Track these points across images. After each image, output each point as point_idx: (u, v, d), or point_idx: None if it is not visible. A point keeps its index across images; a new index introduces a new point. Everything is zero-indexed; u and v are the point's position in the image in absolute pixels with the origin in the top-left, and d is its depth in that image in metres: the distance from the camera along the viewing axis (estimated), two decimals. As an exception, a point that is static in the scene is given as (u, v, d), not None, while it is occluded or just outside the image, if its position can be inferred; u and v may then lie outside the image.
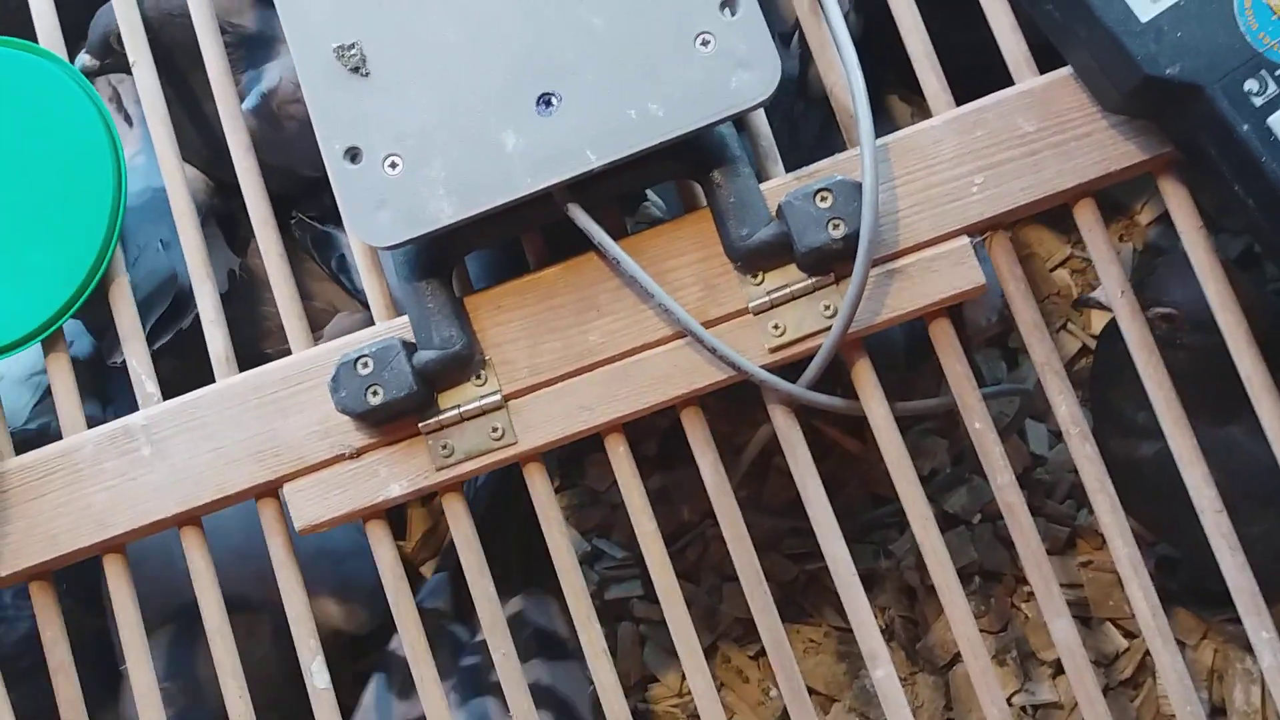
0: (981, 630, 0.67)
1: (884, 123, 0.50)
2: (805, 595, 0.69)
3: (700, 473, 0.48)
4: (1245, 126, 0.41)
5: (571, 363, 0.48)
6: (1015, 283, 0.47)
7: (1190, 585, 0.65)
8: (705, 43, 0.45)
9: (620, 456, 0.48)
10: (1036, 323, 0.47)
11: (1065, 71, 0.47)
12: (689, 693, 0.53)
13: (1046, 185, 0.46)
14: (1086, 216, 0.47)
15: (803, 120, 0.60)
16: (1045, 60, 0.48)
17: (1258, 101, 0.41)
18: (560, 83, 0.46)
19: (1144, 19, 0.41)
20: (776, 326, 0.47)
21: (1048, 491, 0.68)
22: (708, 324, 0.47)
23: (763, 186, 0.47)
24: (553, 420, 0.48)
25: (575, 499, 0.74)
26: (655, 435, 0.73)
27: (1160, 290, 0.50)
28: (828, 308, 0.46)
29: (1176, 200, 0.46)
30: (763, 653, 0.69)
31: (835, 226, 0.45)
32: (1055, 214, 0.76)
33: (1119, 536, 0.47)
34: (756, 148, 0.49)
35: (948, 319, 0.47)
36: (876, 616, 0.67)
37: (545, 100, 0.46)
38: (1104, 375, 0.57)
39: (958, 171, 0.47)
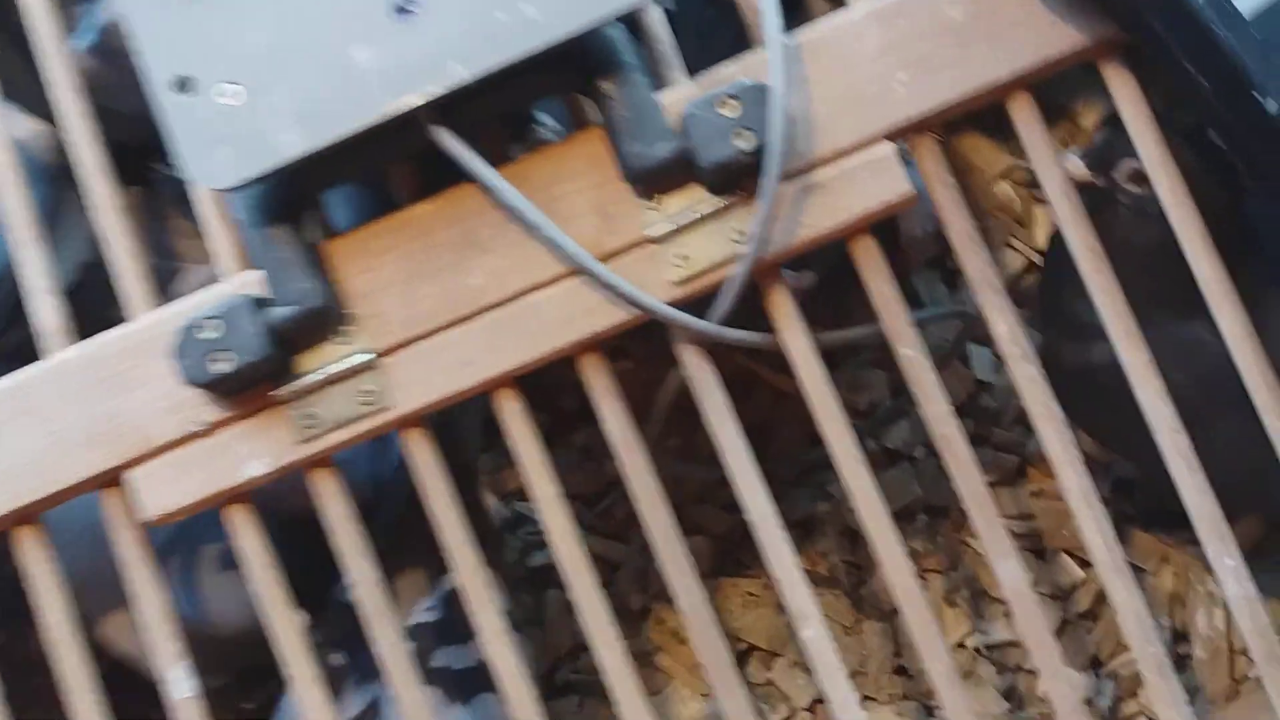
0: (929, 571, 0.63)
1: (802, 20, 0.44)
2: (743, 548, 0.64)
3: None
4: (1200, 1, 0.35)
5: (451, 311, 0.42)
6: (945, 190, 0.42)
7: (1149, 507, 0.62)
8: (583, -71, 0.39)
9: (512, 415, 0.42)
10: (970, 234, 0.41)
11: (994, -54, 0.41)
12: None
13: (977, 78, 0.40)
14: (1023, 112, 0.41)
15: (715, 31, 0.54)
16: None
17: (1209, -32, 0.36)
18: (421, -16, 0.39)
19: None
20: (682, 256, 0.41)
21: (994, 419, 0.64)
22: (604, 257, 0.41)
23: (662, 97, 0.41)
24: (432, 379, 0.42)
25: (494, 461, 0.69)
26: (575, 387, 0.68)
27: (1127, 148, 0.44)
28: (739, 232, 0.41)
29: (1123, 89, 0.41)
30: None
31: (742, 137, 0.39)
32: (994, 123, 0.72)
33: (1068, 465, 0.43)
34: (653, 52, 0.43)
35: (870, 236, 0.42)
36: (818, 563, 0.62)
37: (401, 7, 0.39)
38: (1054, 275, 0.52)
39: (880, 68, 0.41)
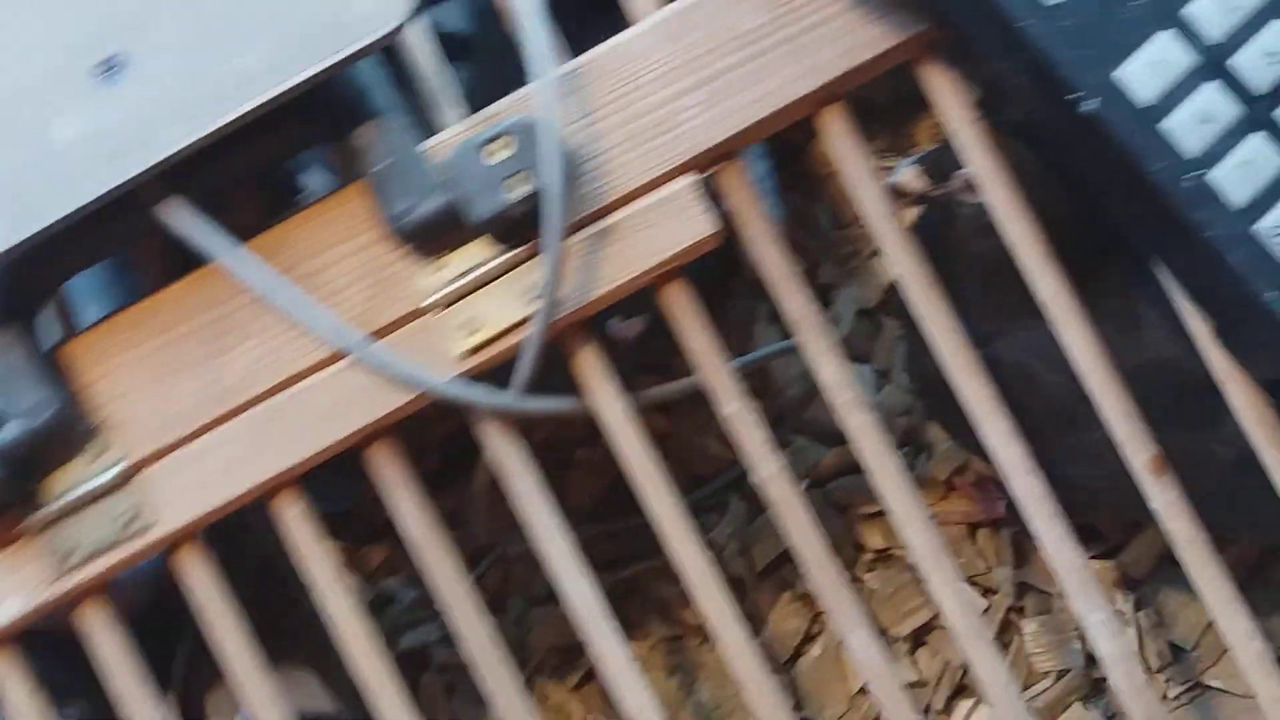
0: (819, 616, 0.59)
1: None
2: (625, 606, 0.59)
3: (407, 521, 0.37)
4: (998, -13, 0.31)
5: (211, 409, 0.36)
6: (755, 225, 0.37)
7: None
8: (304, -39, 0.34)
9: (294, 520, 0.37)
10: (784, 272, 0.37)
11: (787, -57, 0.37)
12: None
13: (780, 94, 0.36)
14: (834, 126, 0.37)
15: (508, 59, 0.49)
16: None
17: (1008, -49, 0.31)
18: (129, 40, 0.34)
19: None
20: (470, 322, 0.36)
21: (880, 443, 0.60)
22: (379, 332, 0.36)
23: (432, 142, 0.36)
24: (199, 489, 0.36)
25: (354, 537, 0.63)
26: (435, 445, 0.63)
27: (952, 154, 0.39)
28: (531, 289, 0.36)
29: (943, 90, 0.36)
30: (584, 682, 0.60)
31: (516, 183, 0.35)
32: (860, 119, 0.67)
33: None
34: (422, 90, 0.38)
35: (680, 280, 0.37)
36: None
37: (109, 66, 0.34)
38: None
39: (670, 91, 0.36)
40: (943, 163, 0.40)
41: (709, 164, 0.36)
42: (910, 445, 0.60)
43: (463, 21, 0.45)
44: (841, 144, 0.37)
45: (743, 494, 0.60)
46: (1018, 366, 0.41)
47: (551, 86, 0.34)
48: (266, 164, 0.36)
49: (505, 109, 0.36)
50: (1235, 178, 0.31)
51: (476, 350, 0.36)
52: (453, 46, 0.44)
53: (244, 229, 0.36)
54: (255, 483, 0.36)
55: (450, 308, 0.36)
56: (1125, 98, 0.31)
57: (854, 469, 0.59)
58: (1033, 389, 0.41)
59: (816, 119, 0.37)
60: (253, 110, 0.33)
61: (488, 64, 0.42)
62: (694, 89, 0.36)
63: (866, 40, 0.36)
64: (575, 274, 0.36)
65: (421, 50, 0.39)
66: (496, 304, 0.36)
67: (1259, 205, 0.31)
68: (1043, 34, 0.31)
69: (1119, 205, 0.33)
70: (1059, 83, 0.31)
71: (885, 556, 0.59)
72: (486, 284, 0.36)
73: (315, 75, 0.33)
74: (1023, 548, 0.58)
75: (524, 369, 0.36)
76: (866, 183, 0.36)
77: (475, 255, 0.36)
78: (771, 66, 0.36)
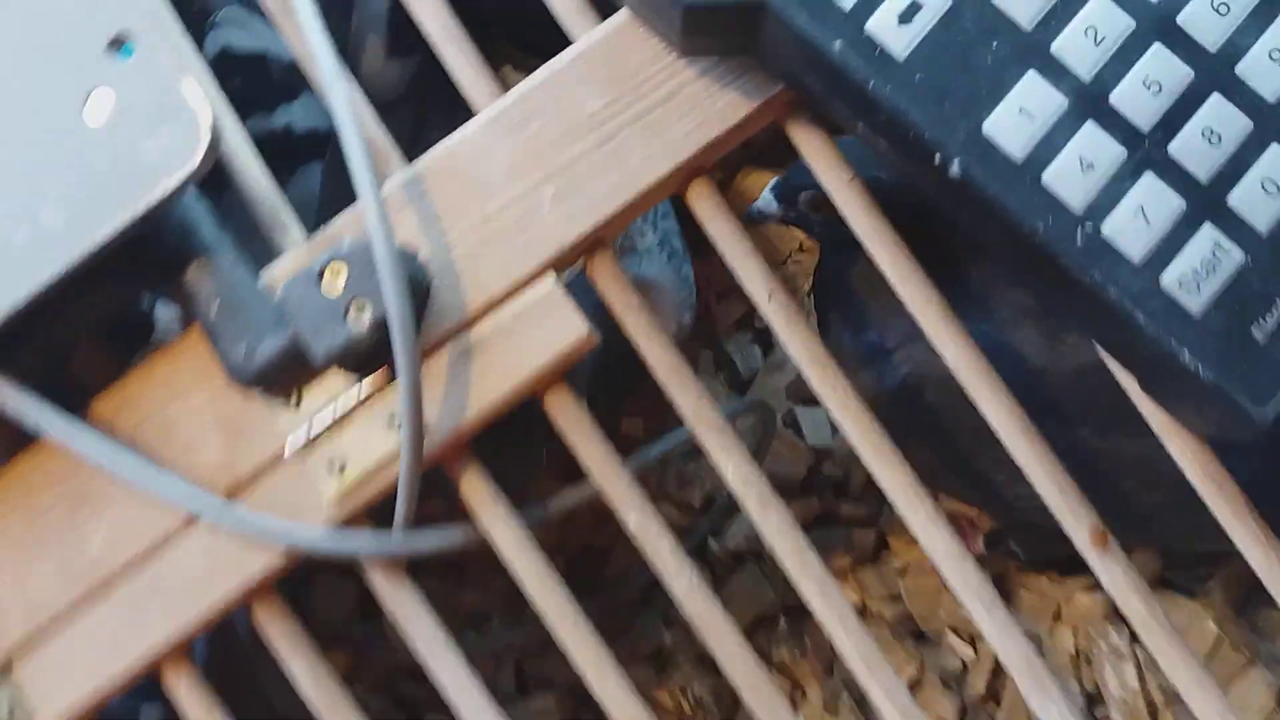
0: (801, 679, 0.55)
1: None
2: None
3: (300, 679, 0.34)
4: (838, 44, 0.28)
5: (75, 588, 0.34)
6: (632, 315, 0.34)
7: (1030, 552, 0.54)
8: (97, 105, 0.31)
9: (187, 692, 0.34)
10: (674, 365, 0.34)
11: (626, 13, 0.34)
12: None
13: (637, 178, 0.33)
14: (703, 205, 0.34)
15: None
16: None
17: (845, 5, 0.28)
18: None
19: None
20: (337, 462, 0.34)
21: (840, 489, 0.56)
22: (239, 487, 0.33)
23: (273, 268, 0.34)
24: (76, 676, 0.33)
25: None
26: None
27: (801, 175, 0.38)
28: (396, 419, 0.33)
29: (811, 148, 0.33)
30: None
31: (358, 311, 0.32)
32: (770, 153, 0.63)
33: (928, 527, 0.34)
34: (255, 214, 0.36)
35: (562, 386, 0.34)
36: (679, 699, 0.54)
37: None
38: (822, 305, 0.46)
39: (520, 187, 0.33)
40: (790, 187, 0.37)
41: (574, 259, 0.33)
42: (875, 492, 0.57)
43: (316, 118, 0.42)
44: (714, 223, 0.33)
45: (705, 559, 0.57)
46: (943, 382, 0.38)
47: (373, 202, 0.31)
48: (97, 320, 0.34)
49: (341, 227, 0.34)
50: (1131, 228, 0.28)
51: (348, 493, 0.33)
52: (308, 146, 0.42)
53: (89, 386, 0.34)
54: (136, 659, 0.33)
55: (314, 448, 0.33)
56: (997, 152, 0.28)
57: (816, 522, 0.57)
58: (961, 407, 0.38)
59: (685, 193, 0.34)
60: (63, 275, 0.30)
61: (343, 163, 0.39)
62: (544, 182, 0.33)
63: (722, 109, 0.33)
64: (446, 394, 0.33)
65: (251, 172, 0.36)
66: (362, 438, 0.33)
67: (1161, 255, 0.28)
68: (895, 93, 0.28)
69: (1014, 267, 0.30)
70: (921, 145, 0.28)
71: (860, 609, 0.56)
72: (349, 417, 0.33)
73: (119, 230, 0.30)
74: (1006, 584, 0.55)
75: (402, 507, 0.33)
76: (744, 254, 0.33)
77: (333, 388, 0.33)
78: (624, 148, 0.33)
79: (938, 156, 0.28)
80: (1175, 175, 0.28)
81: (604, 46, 0.33)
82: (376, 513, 0.35)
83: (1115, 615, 0.52)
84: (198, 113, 0.31)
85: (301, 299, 0.32)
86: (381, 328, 0.32)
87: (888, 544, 0.56)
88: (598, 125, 0.33)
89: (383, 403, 0.33)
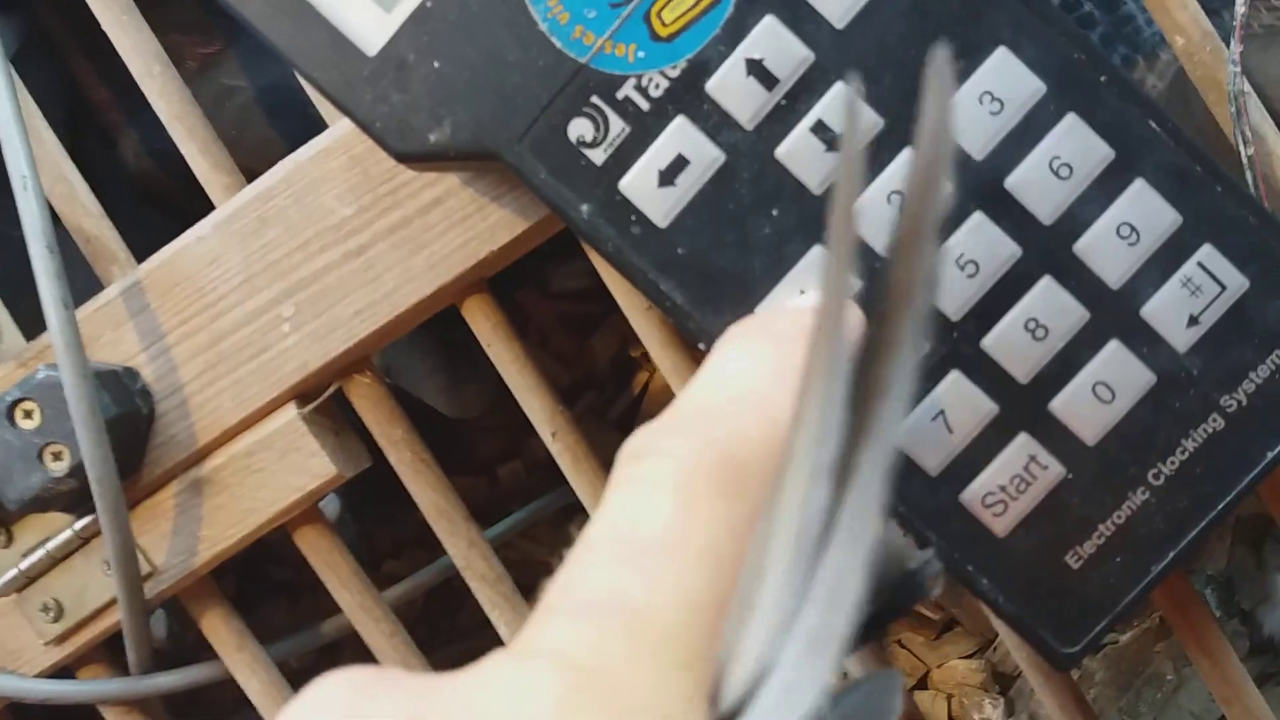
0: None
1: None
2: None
3: None
4: (585, 208, 0.23)
5: None
6: (396, 451, 0.29)
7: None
8: None
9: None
10: (439, 508, 0.29)
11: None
12: None
13: (393, 298, 0.28)
14: (482, 325, 0.29)
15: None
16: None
17: (597, 157, 0.23)
18: None
19: (375, 44, 0.22)
20: (51, 604, 0.30)
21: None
22: (-58, 627, 0.30)
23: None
24: None
25: None
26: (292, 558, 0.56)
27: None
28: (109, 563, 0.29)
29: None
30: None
31: (54, 458, 0.27)
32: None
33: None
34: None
35: (318, 527, 0.30)
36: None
37: None
38: None
39: (255, 304, 0.28)
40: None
41: (317, 390, 0.29)
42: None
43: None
44: (494, 340, 0.29)
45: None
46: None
47: (59, 329, 0.26)
48: None
49: (37, 352, 0.29)
50: (929, 435, 0.23)
51: (65, 637, 0.30)
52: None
53: None
54: None
55: (28, 589, 0.29)
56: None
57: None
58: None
59: (461, 307, 0.29)
60: None
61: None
62: (282, 299, 0.28)
63: (494, 225, 0.27)
64: (176, 532, 0.29)
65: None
66: (80, 580, 0.29)
67: (964, 468, 0.23)
68: (654, 267, 0.22)
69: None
70: (684, 327, 0.23)
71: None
72: (67, 557, 0.29)
73: None
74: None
75: (131, 653, 0.30)
76: (525, 391, 0.29)
77: (46, 527, 0.29)
78: (377, 263, 0.28)
79: (702, 344, 0.23)
80: (988, 374, 0.23)
81: (355, 138, 0.28)
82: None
83: (994, 681, 0.49)
84: None
85: (-7, 435, 0.27)
86: (83, 472, 0.27)
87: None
88: (348, 234, 0.28)
89: (100, 543, 0.29)
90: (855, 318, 0.19)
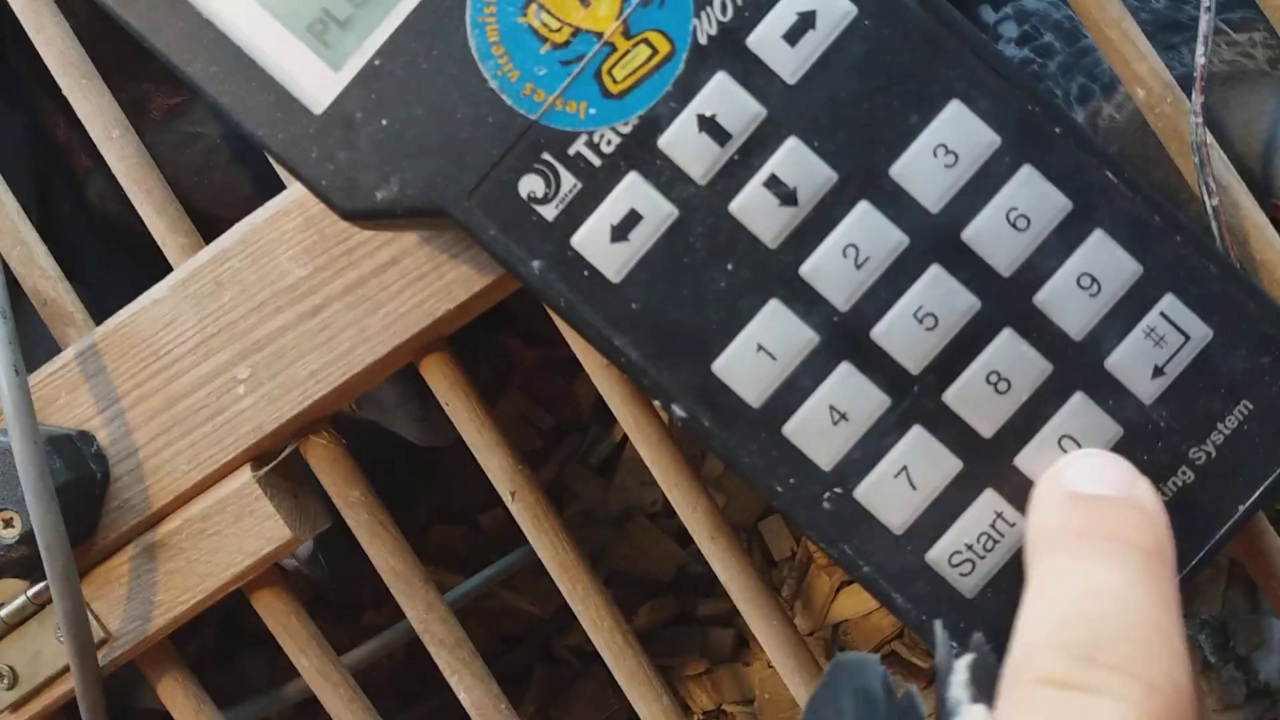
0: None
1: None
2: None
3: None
4: (537, 265, 0.22)
5: None
6: (354, 513, 0.29)
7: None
8: None
9: None
10: (400, 571, 0.29)
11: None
12: None
13: (349, 359, 0.28)
14: (441, 383, 0.29)
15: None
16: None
17: (549, 214, 0.22)
18: None
19: (322, 102, 0.22)
20: (3, 675, 0.29)
21: (706, 589, 0.52)
22: (-111, 700, 0.29)
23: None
24: None
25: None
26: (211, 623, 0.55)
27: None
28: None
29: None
30: None
31: (7, 524, 0.27)
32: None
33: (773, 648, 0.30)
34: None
35: (277, 590, 0.29)
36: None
37: None
38: None
39: (211, 366, 0.28)
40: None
41: (273, 452, 0.28)
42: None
43: None
44: (453, 399, 0.28)
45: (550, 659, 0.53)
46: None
47: (24, 402, 0.26)
48: None
49: None
50: (892, 492, 0.23)
51: (21, 704, 0.29)
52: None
53: None
54: None
55: (-22, 657, 0.29)
56: (729, 396, 0.22)
57: (672, 621, 0.52)
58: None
59: (420, 366, 0.29)
60: None
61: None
62: (238, 360, 0.28)
63: (450, 282, 0.27)
64: (131, 598, 0.29)
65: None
66: (34, 647, 0.29)
67: (929, 526, 0.23)
68: (607, 322, 0.22)
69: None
70: (641, 383, 0.22)
71: (716, 715, 0.52)
72: (21, 624, 0.29)
73: None
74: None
75: (87, 718, 0.29)
76: (484, 449, 0.28)
77: (4, 591, 0.29)
78: (333, 324, 0.27)
79: (662, 400, 0.22)
80: (951, 430, 0.23)
81: (310, 199, 0.27)
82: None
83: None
84: None
85: (-59, 501, 0.27)
86: (34, 539, 0.27)
87: (748, 643, 0.51)
88: (302, 296, 0.27)
89: (54, 609, 0.29)
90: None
